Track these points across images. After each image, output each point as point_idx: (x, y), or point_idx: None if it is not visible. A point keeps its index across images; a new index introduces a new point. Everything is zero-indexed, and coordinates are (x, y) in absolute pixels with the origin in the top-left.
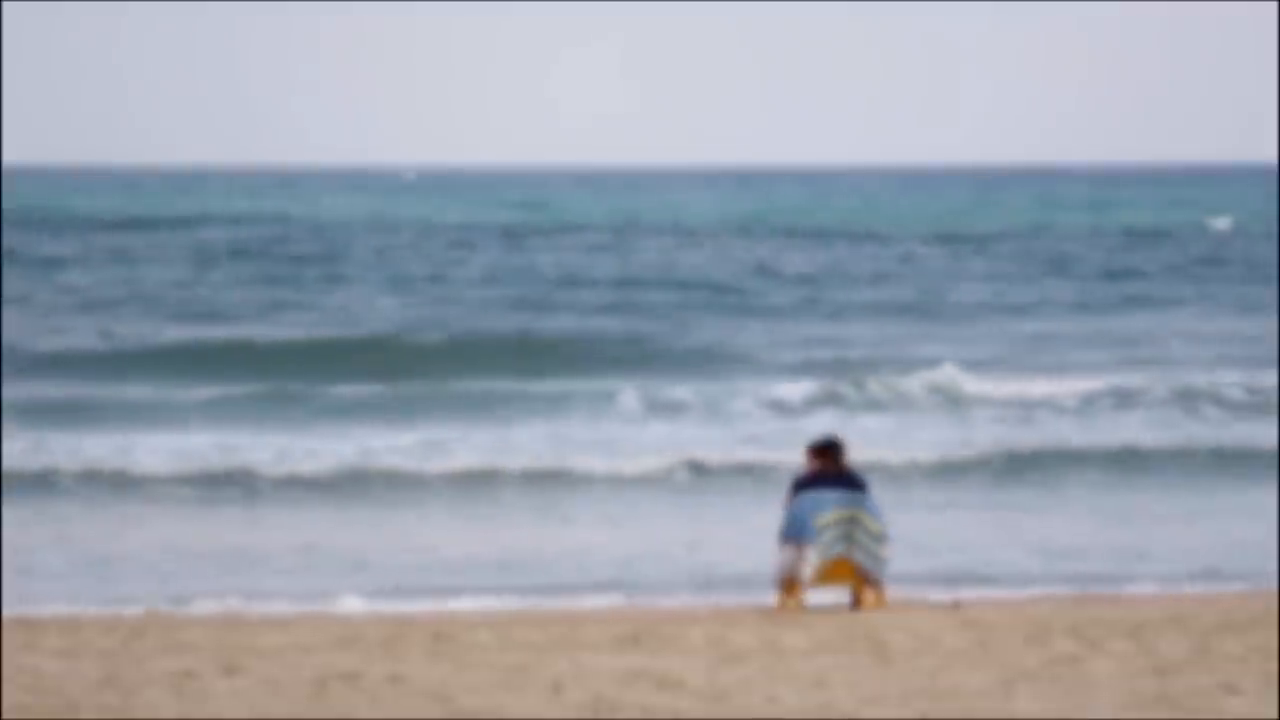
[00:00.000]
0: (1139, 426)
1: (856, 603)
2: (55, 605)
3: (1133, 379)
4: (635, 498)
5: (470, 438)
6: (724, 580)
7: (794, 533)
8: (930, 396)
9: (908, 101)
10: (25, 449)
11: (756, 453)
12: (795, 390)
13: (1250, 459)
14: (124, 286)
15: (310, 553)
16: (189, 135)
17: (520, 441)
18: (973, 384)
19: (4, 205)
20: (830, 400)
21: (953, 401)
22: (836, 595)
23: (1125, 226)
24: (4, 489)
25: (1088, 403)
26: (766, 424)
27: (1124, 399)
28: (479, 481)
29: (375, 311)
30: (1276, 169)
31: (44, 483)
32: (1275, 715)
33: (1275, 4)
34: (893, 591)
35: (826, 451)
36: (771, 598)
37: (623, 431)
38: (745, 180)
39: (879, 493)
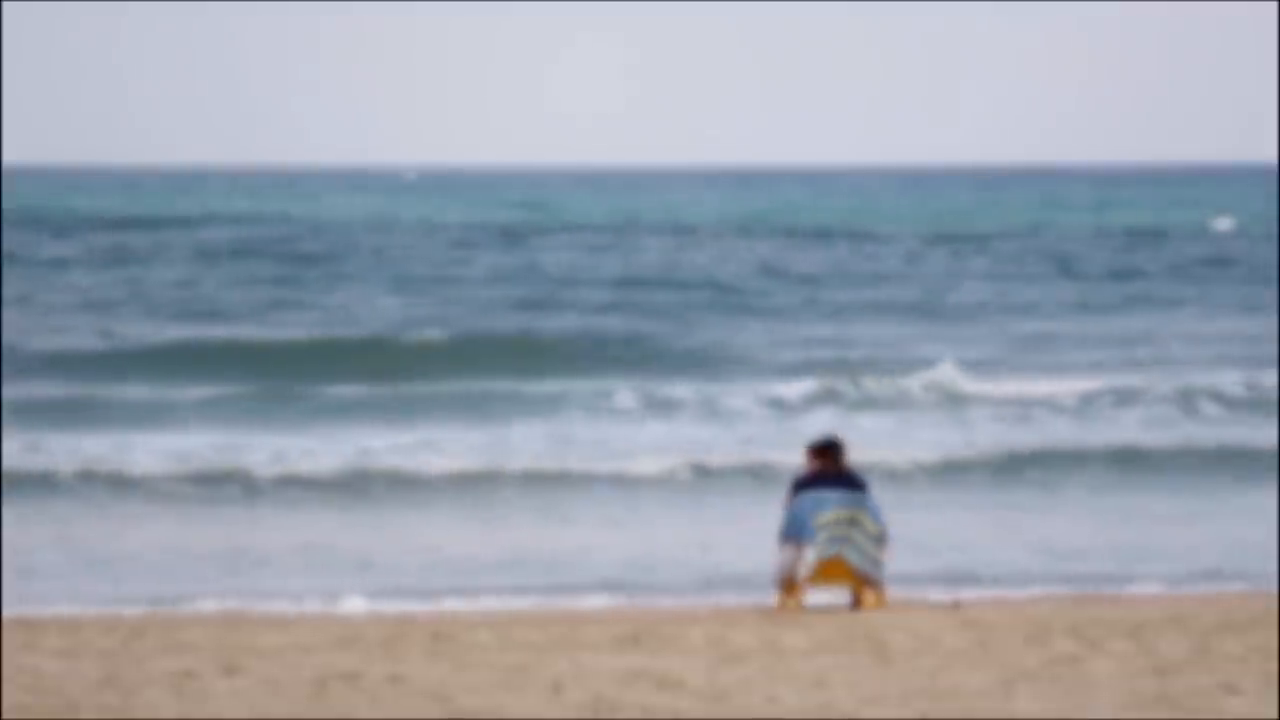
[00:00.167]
0: (1139, 426)
1: (856, 603)
2: (55, 605)
3: (1133, 379)
4: (635, 498)
5: (470, 437)
6: (724, 580)
7: (794, 532)
8: (930, 396)
9: (908, 101)
10: (25, 449)
11: (756, 453)
12: (795, 390)
13: (1250, 459)
14: (124, 286)
15: (310, 553)
16: (189, 135)
17: (520, 441)
18: (973, 384)
19: (4, 205)
20: (830, 400)
21: (953, 401)
22: (836, 595)
23: (1126, 227)
24: (3, 489)
25: (1088, 403)
26: (766, 424)
27: (1124, 399)
28: (479, 481)
29: (375, 311)
30: (1277, 169)
31: (44, 482)
32: (1275, 715)
33: (1275, 4)
34: (893, 591)
35: (826, 451)
36: (771, 598)
37: (622, 431)
38: (746, 180)
39: (879, 493)
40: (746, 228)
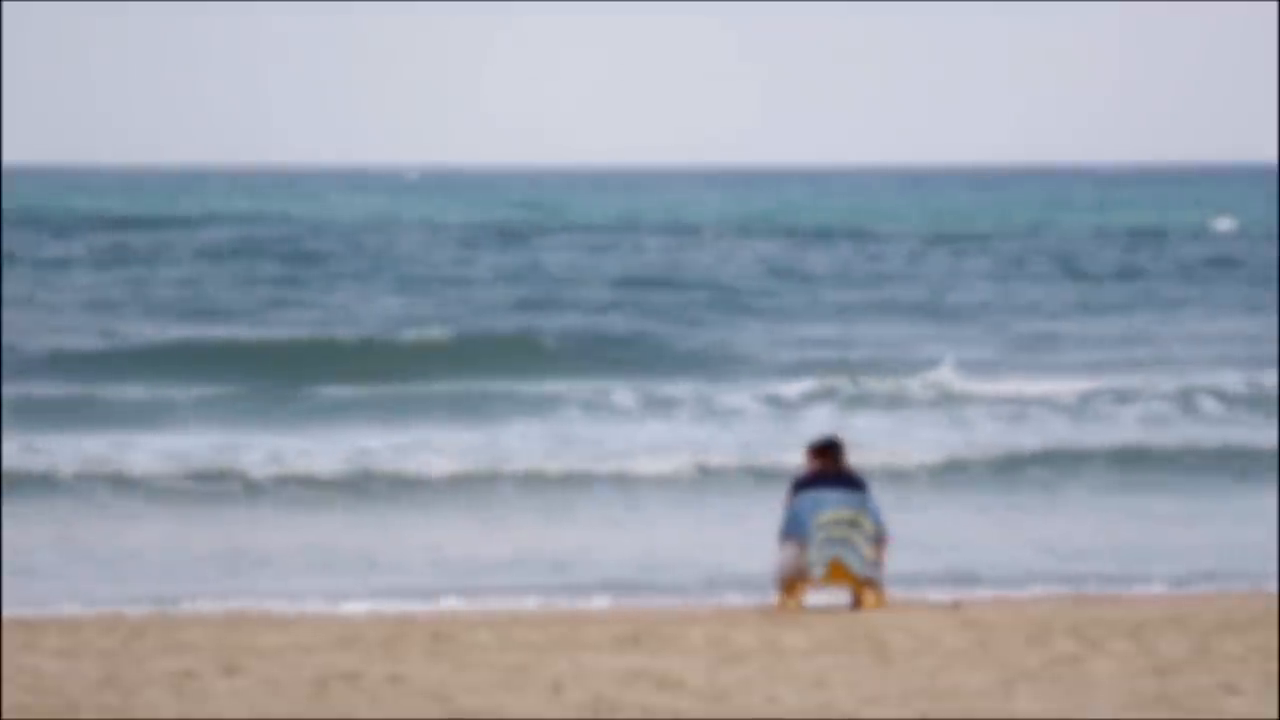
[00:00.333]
0: (1139, 426)
1: (856, 603)
2: (55, 605)
3: (1133, 379)
4: (636, 498)
5: (471, 437)
6: (724, 580)
7: (793, 532)
8: (930, 396)
9: (909, 101)
10: (24, 448)
11: (756, 453)
12: (795, 390)
13: (1250, 459)
14: (124, 286)
15: (310, 553)
16: (189, 135)
17: (520, 441)
18: (973, 384)
19: (4, 205)
20: (830, 400)
21: (953, 401)
22: (836, 595)
23: (1128, 226)
24: (4, 489)
25: (1088, 402)
26: (766, 424)
27: (1124, 399)
28: (479, 481)
29: (375, 311)
30: (1277, 169)
31: (43, 482)
32: (1275, 715)
33: (1275, 4)
34: (893, 591)
35: (826, 451)
36: (772, 598)
37: (622, 431)
38: (746, 180)
39: (879, 493)
40: (747, 227)
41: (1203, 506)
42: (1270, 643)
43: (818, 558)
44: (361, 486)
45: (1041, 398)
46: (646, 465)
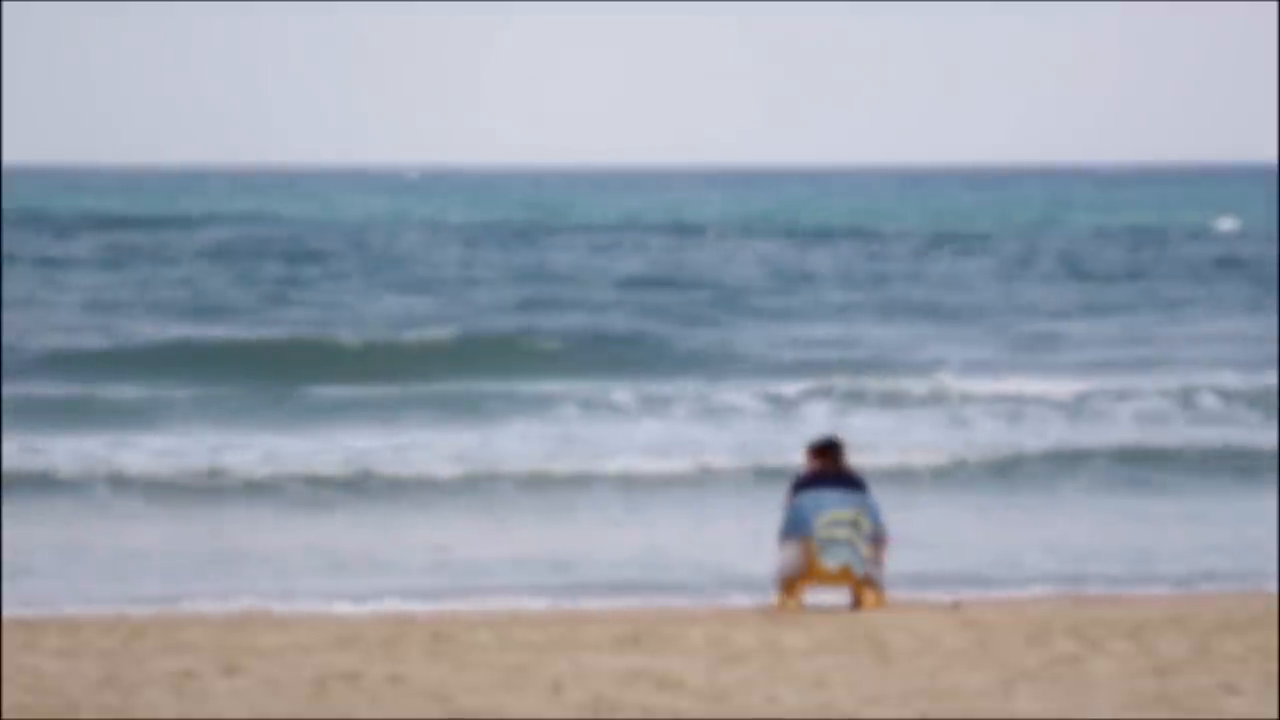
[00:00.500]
0: (1139, 426)
1: (856, 603)
2: (55, 605)
3: (1134, 379)
4: (636, 498)
5: (471, 437)
6: (724, 580)
7: (794, 531)
8: (930, 396)
9: (910, 101)
10: (24, 448)
11: (756, 453)
12: (795, 390)
13: (1250, 459)
14: (124, 286)
15: (310, 553)
16: (189, 135)
17: (520, 441)
18: (973, 383)
19: (4, 205)
20: (830, 400)
21: (953, 401)
22: (836, 595)
23: (1129, 226)
24: (3, 489)
25: (1088, 402)
26: (766, 424)
27: (1125, 399)
28: (479, 481)
29: (375, 311)
30: (1277, 169)
31: (43, 482)
32: (1275, 715)
33: (1275, 4)
34: (893, 591)
35: (826, 451)
36: (772, 598)
37: (623, 431)
38: (747, 180)
39: (879, 493)
40: (749, 227)
41: (1203, 506)
42: (1270, 643)
43: (830, 554)
44: (361, 486)
45: (1042, 397)
46: (646, 465)
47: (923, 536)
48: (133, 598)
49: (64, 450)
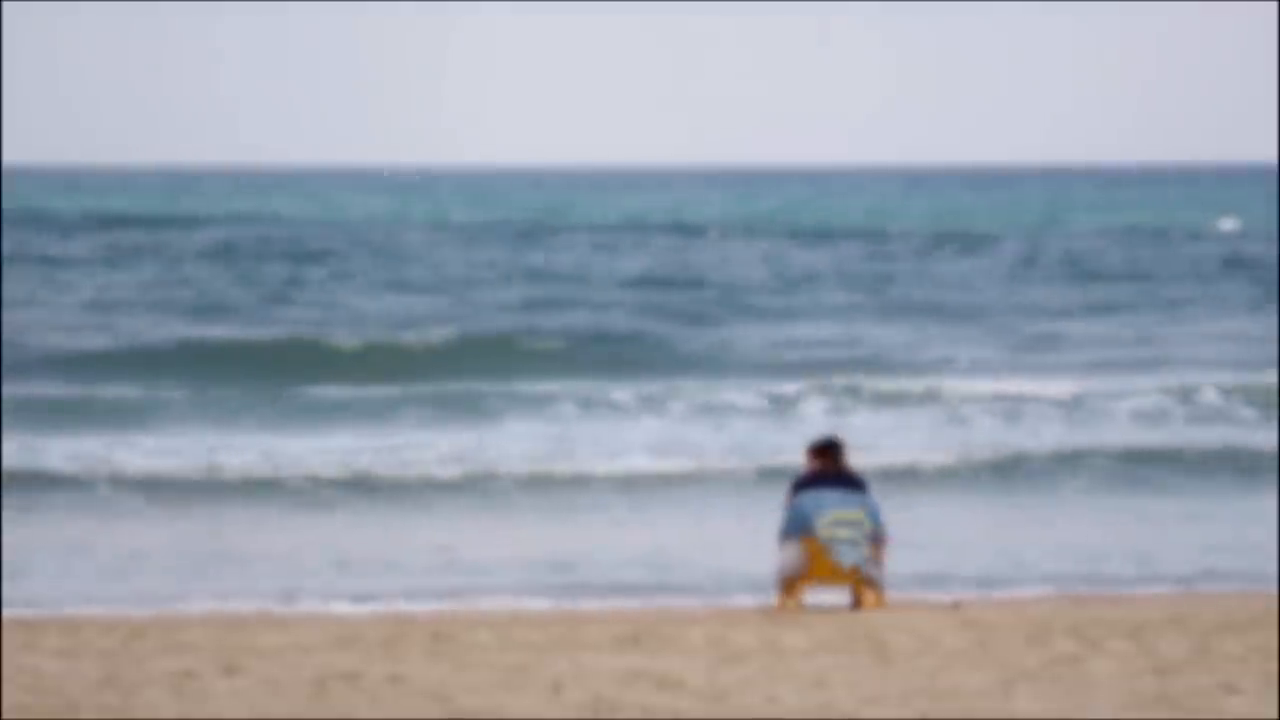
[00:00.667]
0: (1139, 426)
1: (856, 603)
2: (55, 605)
3: (1134, 379)
4: (636, 498)
5: (470, 437)
6: (724, 580)
7: (794, 531)
8: (930, 396)
9: (912, 102)
10: (24, 448)
11: (756, 453)
12: (795, 389)
13: (1250, 459)
14: (124, 286)
15: (310, 553)
16: (189, 135)
17: (520, 441)
18: (974, 383)
19: (4, 205)
20: (830, 400)
21: (953, 401)
22: (836, 595)
23: (1131, 227)
24: (3, 489)
25: (1088, 402)
26: (766, 424)
27: (1125, 399)
28: (479, 481)
29: (376, 311)
30: (1277, 169)
31: (43, 482)
32: (1275, 715)
33: (1275, 4)
34: (893, 591)
35: (826, 451)
36: (772, 598)
37: (623, 431)
38: (748, 180)
39: (879, 493)
40: (750, 227)
41: (1203, 506)
42: (1270, 643)
43: (840, 553)
44: (361, 486)
45: (1042, 397)
46: (646, 465)
47: (922, 536)
48: (132, 598)
49: (63, 450)
